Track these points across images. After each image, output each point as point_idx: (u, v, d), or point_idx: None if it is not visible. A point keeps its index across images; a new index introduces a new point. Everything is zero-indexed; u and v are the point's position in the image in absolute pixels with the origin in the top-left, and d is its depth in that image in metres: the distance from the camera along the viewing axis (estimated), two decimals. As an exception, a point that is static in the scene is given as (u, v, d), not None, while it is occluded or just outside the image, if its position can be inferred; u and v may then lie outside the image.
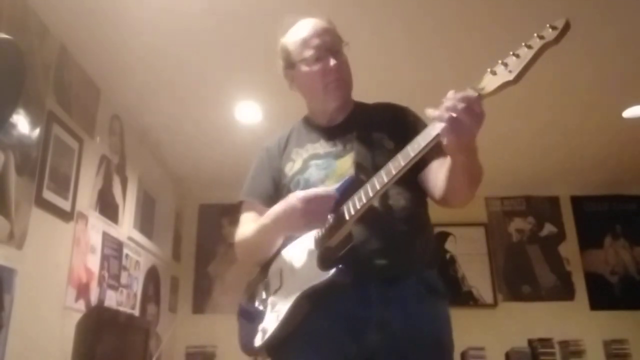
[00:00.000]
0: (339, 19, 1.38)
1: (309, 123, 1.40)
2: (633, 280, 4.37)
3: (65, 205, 2.39)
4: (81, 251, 2.52)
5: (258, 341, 1.19)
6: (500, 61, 0.91)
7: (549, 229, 4.52)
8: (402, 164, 1.01)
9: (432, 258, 1.25)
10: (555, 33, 0.87)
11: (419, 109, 1.28)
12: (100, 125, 2.81)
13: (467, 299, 4.31)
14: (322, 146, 1.31)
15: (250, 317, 1.26)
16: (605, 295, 4.30)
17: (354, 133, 1.29)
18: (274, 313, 1.18)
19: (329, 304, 1.12)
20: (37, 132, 2.17)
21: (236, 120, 3.23)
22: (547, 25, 0.87)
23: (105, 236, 2.82)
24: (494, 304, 4.27)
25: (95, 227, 2.70)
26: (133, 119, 3.20)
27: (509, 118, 3.27)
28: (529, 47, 0.88)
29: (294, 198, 1.12)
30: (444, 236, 4.46)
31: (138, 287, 3.33)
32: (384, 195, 1.16)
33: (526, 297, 4.29)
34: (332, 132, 1.33)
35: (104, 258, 2.79)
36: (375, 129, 1.29)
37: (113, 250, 2.92)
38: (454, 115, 0.92)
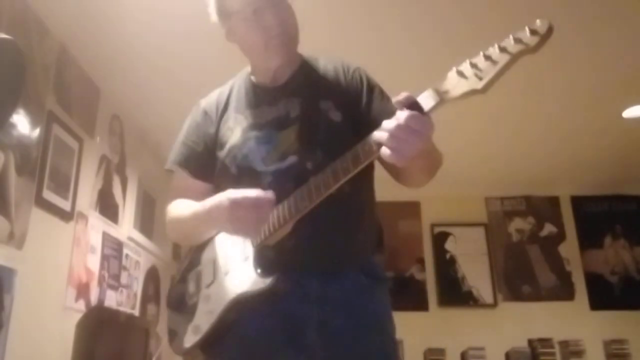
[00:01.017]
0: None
1: (251, 82, 1.26)
2: (633, 280, 4.37)
3: (65, 205, 2.38)
4: (81, 251, 2.52)
5: (189, 342, 1.11)
6: (468, 60, 0.81)
7: (549, 229, 4.52)
8: (351, 167, 0.94)
9: (377, 242, 1.18)
10: (536, 40, 0.75)
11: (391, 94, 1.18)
12: (100, 125, 2.81)
13: (467, 299, 4.31)
14: (263, 113, 1.17)
15: (180, 310, 1.18)
16: (605, 295, 4.30)
17: (298, 98, 1.16)
18: (206, 311, 1.10)
19: (267, 307, 1.05)
20: (37, 132, 2.17)
21: (236, 120, 3.22)
22: (526, 28, 0.76)
23: (105, 236, 2.82)
24: (494, 304, 4.27)
25: (95, 227, 2.70)
26: (133, 119, 3.19)
27: (509, 118, 3.27)
28: (504, 50, 0.77)
29: (225, 198, 1.01)
30: (444, 236, 4.46)
31: (138, 287, 3.33)
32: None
33: (526, 297, 4.29)
34: (275, 94, 1.19)
35: (104, 258, 2.79)
36: (322, 95, 1.16)
37: (113, 250, 2.92)
38: (396, 137, 0.86)
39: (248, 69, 1.30)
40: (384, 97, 1.18)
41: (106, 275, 2.81)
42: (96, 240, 2.71)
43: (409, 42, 2.57)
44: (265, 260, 1.05)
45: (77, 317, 2.38)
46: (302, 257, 1.06)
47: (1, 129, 1.88)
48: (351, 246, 1.12)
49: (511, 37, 0.77)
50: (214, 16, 1.24)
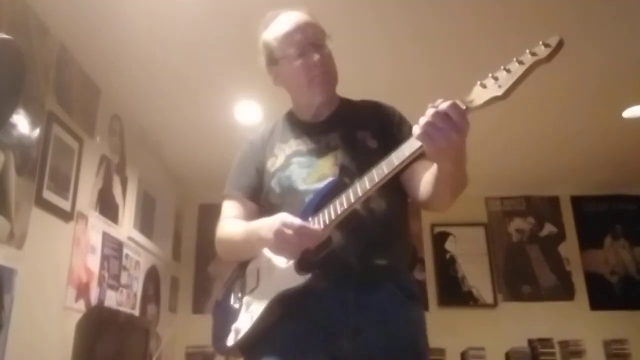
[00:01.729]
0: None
1: (294, 118, 1.38)
2: (633, 280, 4.37)
3: (65, 205, 2.38)
4: (81, 251, 2.52)
5: (230, 341, 1.18)
6: (490, 74, 0.90)
7: (549, 229, 4.52)
8: (386, 171, 1.01)
9: (410, 261, 1.25)
10: (548, 51, 0.85)
11: (409, 112, 1.28)
12: (100, 125, 2.81)
13: (467, 299, 4.31)
14: (305, 143, 1.29)
15: (224, 315, 1.25)
16: (605, 295, 4.30)
17: (338, 131, 1.28)
18: (248, 313, 1.17)
19: (304, 309, 1.11)
20: (37, 132, 2.17)
21: (236, 120, 3.23)
22: (540, 42, 0.86)
23: (105, 236, 2.82)
24: (494, 304, 4.28)
25: (95, 227, 2.70)
26: (133, 119, 3.20)
27: (509, 118, 3.27)
28: (520, 62, 0.87)
29: (278, 219, 1.08)
30: (444, 236, 4.46)
31: (138, 287, 3.33)
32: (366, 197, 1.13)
33: (526, 297, 4.30)
34: (316, 129, 1.31)
35: (104, 258, 2.79)
36: (359, 127, 1.28)
37: (113, 250, 2.92)
38: (431, 122, 0.91)
39: (290, 109, 1.42)
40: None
41: (106, 275, 2.81)
42: (96, 240, 2.71)
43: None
44: (305, 261, 1.10)
45: (77, 317, 2.38)
46: (339, 263, 1.11)
47: (1, 129, 1.88)
48: (386, 259, 1.16)
49: (527, 51, 0.87)
50: (262, 64, 1.37)
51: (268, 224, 1.11)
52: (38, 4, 2.16)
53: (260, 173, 1.32)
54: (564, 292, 4.32)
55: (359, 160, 1.18)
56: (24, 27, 2.10)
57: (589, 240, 4.47)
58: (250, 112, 3.16)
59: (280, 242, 1.07)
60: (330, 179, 1.16)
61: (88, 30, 2.38)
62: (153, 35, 2.44)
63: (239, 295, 1.24)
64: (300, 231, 1.06)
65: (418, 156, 0.99)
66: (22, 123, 2.06)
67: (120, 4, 2.23)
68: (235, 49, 2.55)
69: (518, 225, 4.55)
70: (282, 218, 1.08)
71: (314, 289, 1.07)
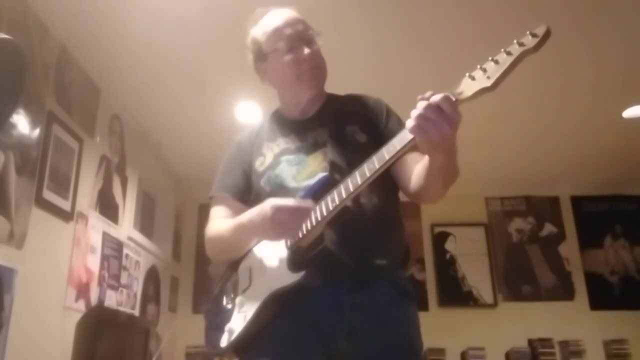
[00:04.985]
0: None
1: (281, 116, 1.37)
2: (633, 280, 4.37)
3: (65, 205, 2.38)
4: (81, 251, 2.52)
5: (224, 342, 1.17)
6: (479, 66, 0.90)
7: (549, 229, 4.52)
8: (377, 166, 1.00)
9: (404, 258, 1.23)
10: (535, 41, 0.85)
11: (399, 107, 1.27)
12: (100, 125, 2.81)
13: (467, 299, 4.31)
14: (293, 141, 1.28)
15: (217, 316, 1.23)
16: (605, 295, 4.30)
17: (326, 127, 1.26)
18: (242, 313, 1.16)
19: (298, 308, 1.10)
20: (37, 132, 2.17)
21: (236, 120, 3.23)
22: (527, 33, 0.86)
23: (105, 236, 2.82)
24: (494, 304, 4.28)
25: (95, 227, 2.70)
26: (133, 119, 3.20)
27: (509, 118, 3.27)
28: (508, 53, 0.87)
29: (268, 205, 1.09)
30: (444, 236, 4.46)
31: (138, 287, 3.33)
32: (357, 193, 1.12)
33: (526, 297, 4.30)
34: (304, 126, 1.30)
35: (104, 258, 2.79)
36: (347, 122, 1.27)
37: (113, 250, 2.92)
38: (424, 115, 0.91)
39: (276, 108, 1.41)
40: (401, 122, 1.25)
41: (106, 275, 2.81)
42: (96, 240, 2.71)
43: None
44: (298, 259, 1.09)
45: (77, 317, 2.38)
46: (332, 260, 1.10)
47: (1, 129, 1.88)
48: (379, 257, 1.16)
49: (515, 41, 0.87)
50: (250, 62, 1.37)
51: (258, 213, 1.10)
52: (38, 4, 2.16)
53: (248, 173, 1.31)
54: (564, 292, 4.32)
55: (349, 156, 1.17)
56: (24, 27, 2.10)
57: (589, 240, 4.47)
58: (250, 112, 3.15)
59: (278, 226, 1.06)
60: (320, 175, 1.14)
61: (88, 30, 2.38)
62: (153, 35, 2.43)
63: (232, 295, 1.22)
64: (295, 210, 1.06)
65: (409, 149, 0.98)
66: (22, 123, 2.06)
67: (120, 4, 2.23)
68: (236, 49, 2.54)
69: (518, 225, 4.55)
70: (272, 203, 1.08)
71: (308, 287, 1.07)
